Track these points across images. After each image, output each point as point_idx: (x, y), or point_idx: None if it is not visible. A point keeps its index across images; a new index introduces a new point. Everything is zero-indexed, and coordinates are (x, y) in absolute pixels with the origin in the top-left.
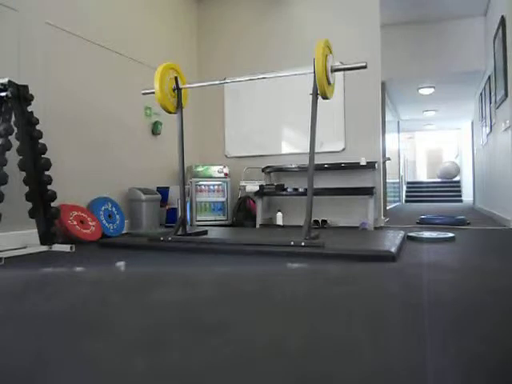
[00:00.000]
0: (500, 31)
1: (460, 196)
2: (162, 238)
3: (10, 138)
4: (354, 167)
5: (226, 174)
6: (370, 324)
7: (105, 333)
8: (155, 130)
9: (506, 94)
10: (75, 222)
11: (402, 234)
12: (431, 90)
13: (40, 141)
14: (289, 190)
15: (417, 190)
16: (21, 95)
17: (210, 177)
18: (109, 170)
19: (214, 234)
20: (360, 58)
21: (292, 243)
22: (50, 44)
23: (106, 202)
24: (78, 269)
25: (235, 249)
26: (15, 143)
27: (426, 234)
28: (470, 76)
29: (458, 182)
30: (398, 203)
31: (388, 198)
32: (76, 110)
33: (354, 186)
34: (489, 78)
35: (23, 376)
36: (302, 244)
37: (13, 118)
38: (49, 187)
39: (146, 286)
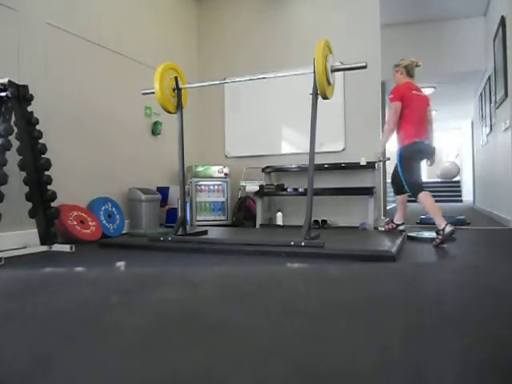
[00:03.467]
0: (500, 31)
1: (460, 196)
2: (161, 238)
3: (10, 137)
4: (353, 167)
5: (226, 174)
6: (370, 325)
7: (105, 333)
8: (155, 130)
9: (506, 94)
10: (75, 222)
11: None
12: (431, 90)
13: (40, 141)
14: (289, 190)
15: None
16: (21, 95)
17: (210, 177)
18: (109, 170)
19: (214, 234)
20: (360, 58)
21: (292, 243)
22: (49, 44)
23: (106, 201)
24: (78, 269)
25: (235, 249)
26: (15, 143)
27: (426, 234)
28: (470, 76)
29: (458, 182)
30: None
31: (388, 198)
32: (76, 109)
33: (354, 185)
34: (489, 78)
35: (22, 377)
36: (302, 244)
37: (13, 118)
38: (49, 187)
39: (146, 286)
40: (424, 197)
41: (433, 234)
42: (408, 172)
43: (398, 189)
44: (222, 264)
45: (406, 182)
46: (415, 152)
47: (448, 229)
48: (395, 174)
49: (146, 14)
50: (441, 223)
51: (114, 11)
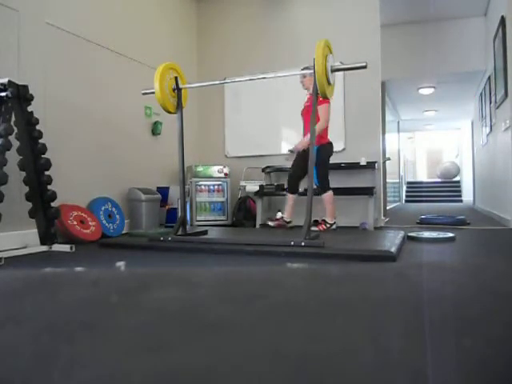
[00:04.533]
0: (500, 31)
1: (460, 196)
2: (161, 238)
3: (10, 137)
4: (353, 167)
5: (226, 174)
6: (370, 325)
7: (105, 334)
8: (155, 130)
9: (506, 94)
10: (75, 222)
11: (401, 234)
12: (431, 90)
13: (40, 141)
14: None
15: (417, 190)
16: (21, 95)
17: (210, 177)
18: (109, 170)
19: (214, 234)
20: (360, 58)
21: (292, 243)
22: (50, 44)
23: (106, 201)
24: (78, 269)
25: (235, 249)
26: (15, 143)
27: (426, 234)
28: (470, 76)
29: (458, 182)
30: (397, 203)
31: (388, 198)
32: (76, 109)
33: (354, 185)
34: (489, 78)
35: (23, 376)
36: (302, 244)
37: (13, 118)
38: (49, 187)
39: (146, 286)
40: (330, 196)
41: (433, 234)
42: (323, 167)
43: (296, 187)
44: (222, 264)
45: (319, 176)
46: (331, 152)
47: (333, 226)
48: (297, 171)
49: (145, 14)
50: (331, 219)
51: (114, 11)
